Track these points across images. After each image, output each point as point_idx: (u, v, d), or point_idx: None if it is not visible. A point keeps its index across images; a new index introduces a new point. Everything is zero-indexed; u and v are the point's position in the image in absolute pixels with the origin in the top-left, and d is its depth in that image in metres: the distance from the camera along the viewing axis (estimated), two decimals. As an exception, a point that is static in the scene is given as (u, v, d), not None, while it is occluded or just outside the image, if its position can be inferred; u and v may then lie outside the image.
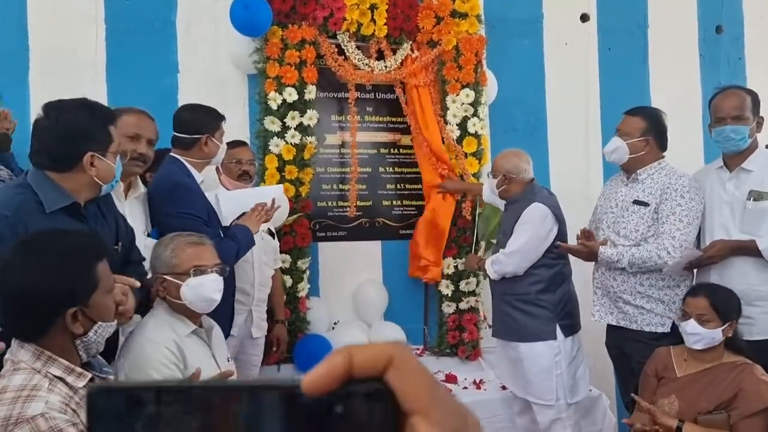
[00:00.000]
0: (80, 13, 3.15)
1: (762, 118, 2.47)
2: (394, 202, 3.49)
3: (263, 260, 2.69)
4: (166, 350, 1.66)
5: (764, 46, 4.12)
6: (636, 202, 2.55)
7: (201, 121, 2.30)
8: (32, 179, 1.64)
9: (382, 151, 3.45)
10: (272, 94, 3.05)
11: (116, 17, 3.19)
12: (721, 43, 4.07)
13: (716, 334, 2.08)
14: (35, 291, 1.21)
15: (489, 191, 2.88)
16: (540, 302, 2.63)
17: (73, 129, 1.64)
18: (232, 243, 2.22)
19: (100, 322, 1.30)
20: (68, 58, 3.12)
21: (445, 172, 3.28)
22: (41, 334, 1.25)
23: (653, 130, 2.57)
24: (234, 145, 2.73)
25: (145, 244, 2.08)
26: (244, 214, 2.40)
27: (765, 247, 2.31)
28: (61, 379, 1.24)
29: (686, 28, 4.02)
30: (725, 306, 2.11)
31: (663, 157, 2.60)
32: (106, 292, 1.33)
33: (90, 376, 1.29)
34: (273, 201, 2.44)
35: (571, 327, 2.69)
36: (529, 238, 2.60)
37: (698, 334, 2.09)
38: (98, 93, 3.14)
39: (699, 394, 2.08)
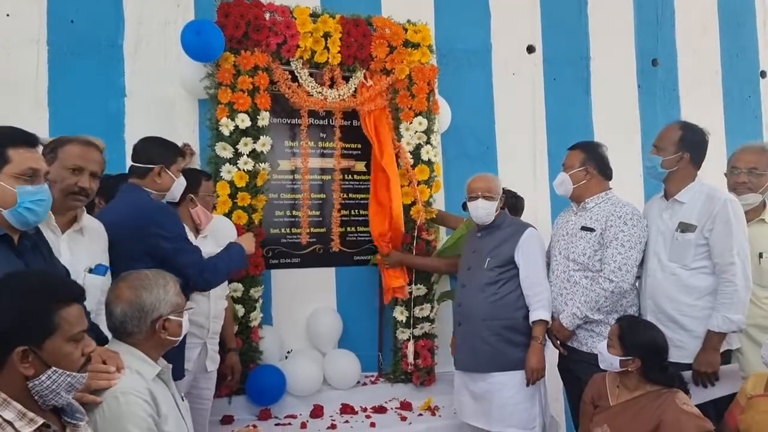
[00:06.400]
0: (21, 34, 3.03)
1: (688, 153, 2.55)
2: (349, 229, 3.47)
3: (217, 293, 2.60)
4: (143, 402, 1.55)
5: (697, 78, 4.40)
6: (583, 228, 2.67)
7: (155, 152, 2.25)
8: None
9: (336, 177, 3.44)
10: (224, 120, 3.00)
11: (60, 39, 3.08)
12: (657, 75, 4.32)
13: (614, 361, 2.18)
14: None
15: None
16: (525, 329, 2.64)
17: None
18: (227, 259, 2.32)
19: (55, 368, 1.28)
20: (7, 82, 2.98)
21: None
22: None
23: (591, 160, 2.73)
24: (210, 177, 2.74)
25: (84, 282, 1.84)
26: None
27: (715, 324, 2.37)
28: (10, 423, 1.22)
29: (625, 60, 4.24)
30: (629, 340, 2.18)
31: (610, 188, 2.75)
32: (68, 338, 1.30)
33: (41, 422, 1.26)
34: None
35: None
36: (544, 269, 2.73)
37: (602, 354, 2.24)
38: (39, 117, 3.03)
39: (628, 423, 2.14)
